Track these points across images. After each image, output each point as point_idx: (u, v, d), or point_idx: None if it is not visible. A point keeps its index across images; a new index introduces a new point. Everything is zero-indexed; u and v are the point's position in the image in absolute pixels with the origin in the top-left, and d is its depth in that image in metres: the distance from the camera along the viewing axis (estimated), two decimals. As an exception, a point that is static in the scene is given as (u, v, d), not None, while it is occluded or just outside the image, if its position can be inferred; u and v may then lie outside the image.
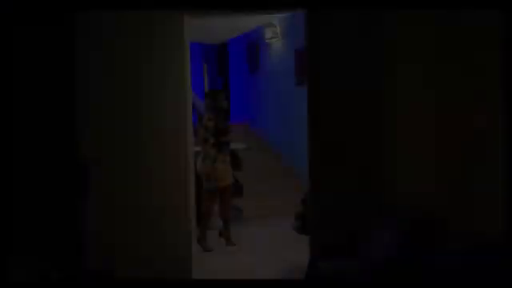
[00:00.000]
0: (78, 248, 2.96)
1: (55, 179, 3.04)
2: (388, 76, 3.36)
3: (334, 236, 3.31)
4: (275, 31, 7.67)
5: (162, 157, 3.34)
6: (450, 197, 2.88)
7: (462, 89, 2.78)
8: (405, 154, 3.27)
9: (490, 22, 2.53)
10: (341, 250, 3.17)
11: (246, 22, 7.02)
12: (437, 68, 2.98)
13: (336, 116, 3.45)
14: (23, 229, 2.79)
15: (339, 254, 3.11)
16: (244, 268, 4.22)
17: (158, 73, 3.32)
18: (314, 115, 3.48)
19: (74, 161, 2.96)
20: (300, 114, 6.42)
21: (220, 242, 5.04)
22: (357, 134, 3.45)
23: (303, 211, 4.31)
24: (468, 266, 2.37)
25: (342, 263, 2.93)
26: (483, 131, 2.61)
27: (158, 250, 3.33)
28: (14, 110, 2.81)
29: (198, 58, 7.81)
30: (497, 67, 2.38)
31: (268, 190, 6.98)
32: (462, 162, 2.79)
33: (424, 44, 3.07)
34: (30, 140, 2.94)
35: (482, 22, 2.62)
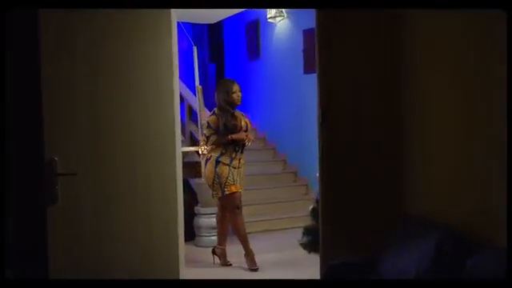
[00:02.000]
0: (43, 253, 3.03)
1: (20, 181, 3.08)
2: (409, 69, 3.38)
3: (349, 254, 3.31)
4: (279, 8, 7.67)
5: (147, 162, 3.34)
6: (475, 207, 2.93)
7: (485, 91, 2.87)
8: (428, 155, 3.28)
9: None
10: (356, 271, 3.17)
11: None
12: (460, 66, 3.05)
13: (351, 110, 3.45)
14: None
15: (354, 275, 3.11)
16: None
17: (140, 69, 3.31)
18: (326, 109, 3.47)
19: (38, 161, 3.01)
20: (308, 108, 6.43)
21: (215, 263, 5.04)
22: (374, 132, 3.46)
23: (312, 224, 4.32)
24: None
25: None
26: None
27: (143, 264, 3.34)
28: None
29: (186, 39, 7.80)
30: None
31: (271, 198, 7.00)
32: (487, 168, 2.86)
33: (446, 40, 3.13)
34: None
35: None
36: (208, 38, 10.10)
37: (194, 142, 7.09)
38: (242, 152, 4.91)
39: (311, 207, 4.42)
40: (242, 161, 4.92)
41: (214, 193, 4.88)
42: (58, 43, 3.07)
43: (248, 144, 4.95)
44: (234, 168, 4.83)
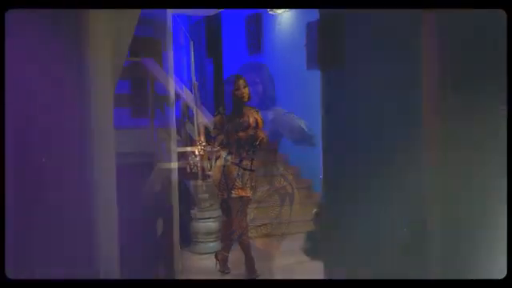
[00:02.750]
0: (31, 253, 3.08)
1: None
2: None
3: (355, 261, 3.33)
4: (280, 8, 7.67)
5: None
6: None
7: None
8: (438, 155, 3.30)
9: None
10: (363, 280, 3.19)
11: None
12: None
13: (356, 109, 3.47)
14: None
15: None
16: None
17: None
18: (330, 107, 3.49)
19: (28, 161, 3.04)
20: (312, 105, 6.42)
21: (217, 269, 5.05)
22: (381, 131, 3.47)
23: (315, 229, 4.34)
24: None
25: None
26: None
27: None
28: None
29: (182, 33, 7.81)
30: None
31: (273, 200, 6.99)
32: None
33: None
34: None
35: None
36: (205, 31, 10.08)
37: (190, 141, 7.09)
38: (253, 152, 4.85)
39: (314, 211, 4.43)
40: (254, 162, 4.86)
41: (220, 193, 4.85)
42: (49, 42, 3.11)
43: (257, 143, 4.85)
44: (245, 169, 4.79)
